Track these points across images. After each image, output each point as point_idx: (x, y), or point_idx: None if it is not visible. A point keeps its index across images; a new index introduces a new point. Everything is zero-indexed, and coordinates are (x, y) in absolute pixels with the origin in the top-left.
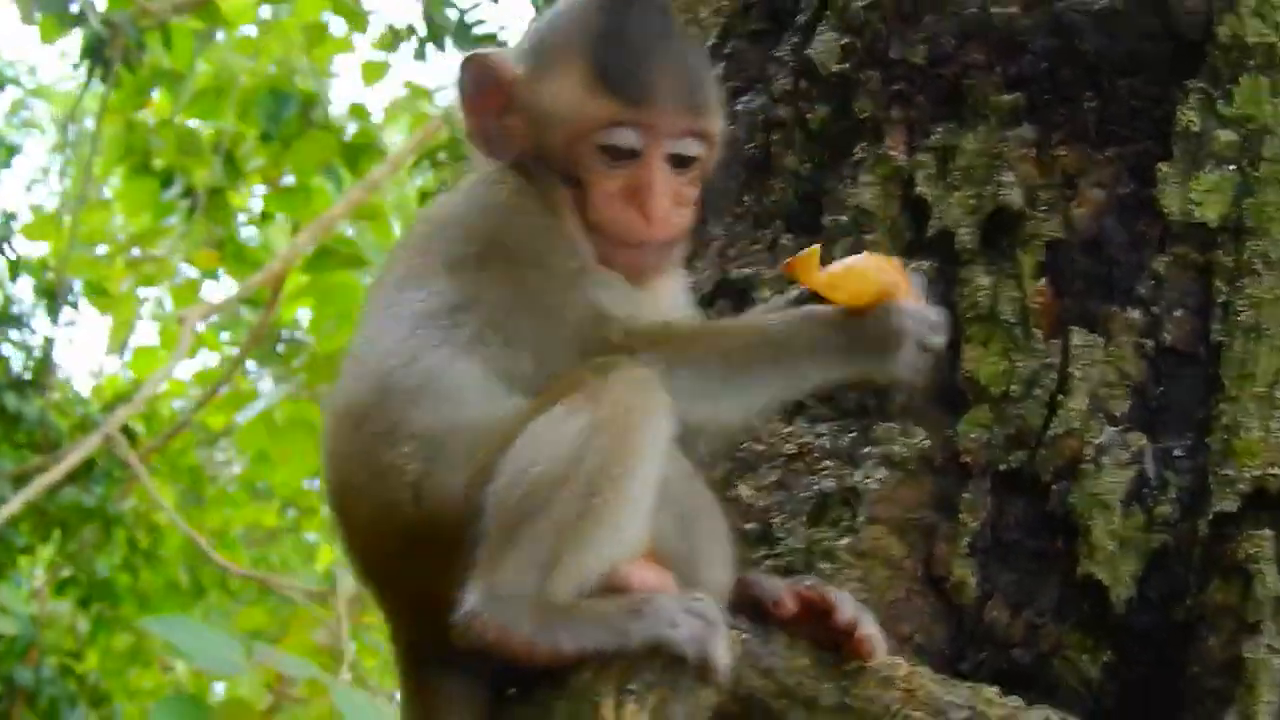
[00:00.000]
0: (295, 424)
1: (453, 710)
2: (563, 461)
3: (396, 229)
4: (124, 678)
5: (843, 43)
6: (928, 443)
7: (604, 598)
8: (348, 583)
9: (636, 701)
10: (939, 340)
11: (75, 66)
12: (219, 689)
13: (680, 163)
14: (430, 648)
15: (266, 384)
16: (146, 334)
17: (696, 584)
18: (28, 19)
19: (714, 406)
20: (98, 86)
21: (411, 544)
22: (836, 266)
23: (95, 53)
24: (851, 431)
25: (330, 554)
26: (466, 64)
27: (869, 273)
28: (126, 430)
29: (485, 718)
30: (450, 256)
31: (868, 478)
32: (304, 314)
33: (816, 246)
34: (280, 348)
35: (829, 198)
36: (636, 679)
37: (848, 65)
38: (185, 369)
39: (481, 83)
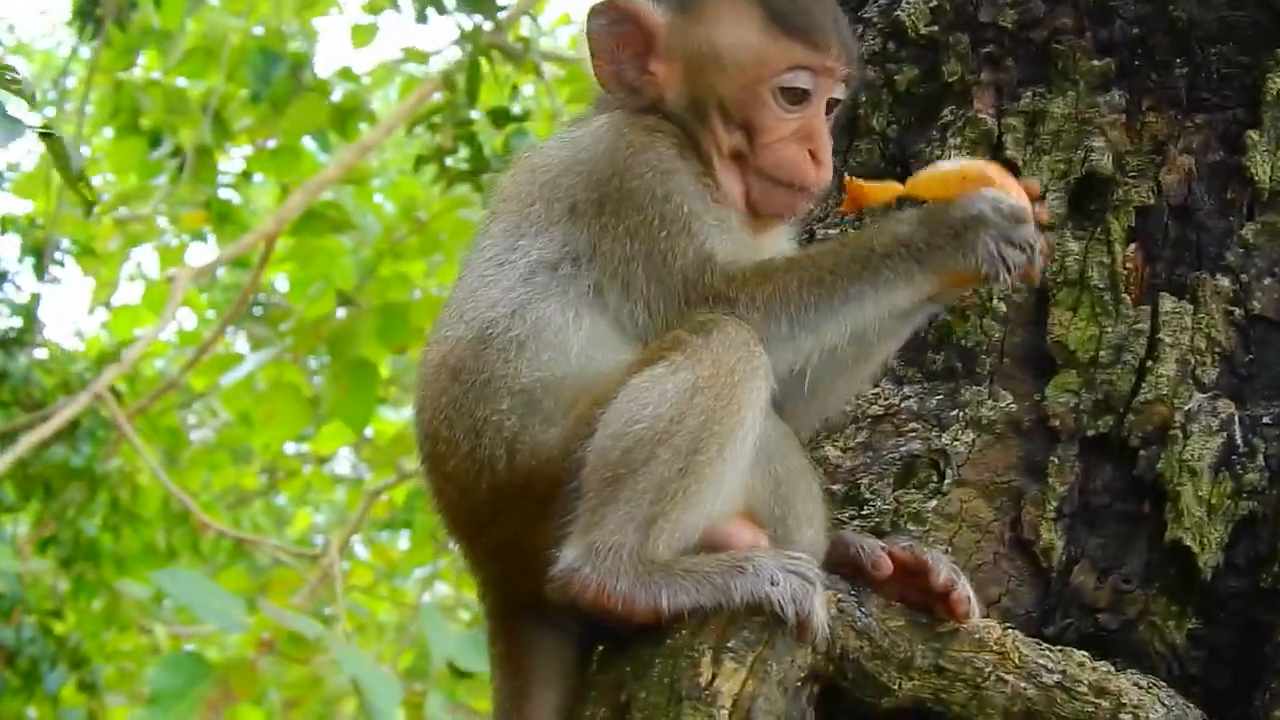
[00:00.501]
0: (277, 388)
1: (544, 665)
2: (664, 419)
3: (379, 198)
4: (99, 639)
5: (932, 5)
6: (1015, 406)
7: (703, 555)
8: (335, 545)
9: (735, 660)
10: (1024, 232)
11: (68, 24)
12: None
13: (829, 107)
14: (520, 603)
15: (242, 345)
16: (129, 293)
17: (789, 544)
18: None
19: (817, 337)
20: (89, 44)
21: (504, 498)
22: (926, 170)
23: (87, 11)
24: (939, 394)
25: (306, 519)
26: (601, 9)
27: (953, 170)
28: (112, 390)
29: (577, 673)
30: (574, 201)
31: (955, 440)
32: (281, 278)
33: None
34: (258, 311)
35: (916, 159)
36: (735, 637)
37: (936, 27)
38: (167, 330)
39: (619, 28)
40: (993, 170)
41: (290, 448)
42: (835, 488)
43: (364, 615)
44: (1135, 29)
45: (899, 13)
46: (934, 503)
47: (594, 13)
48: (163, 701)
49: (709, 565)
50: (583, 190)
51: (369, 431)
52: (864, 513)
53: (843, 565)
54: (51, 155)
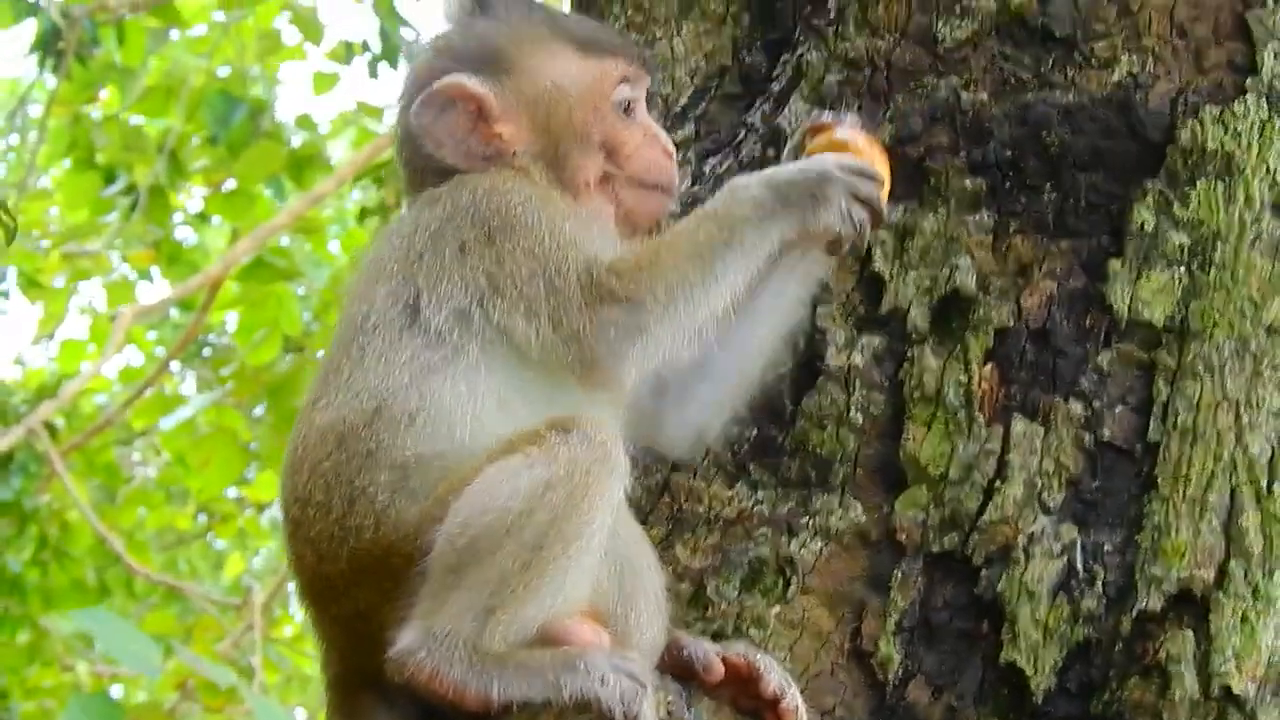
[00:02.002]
0: (216, 433)
1: None
2: (513, 513)
3: (334, 246)
4: (21, 674)
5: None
6: (864, 518)
7: (539, 648)
8: (260, 595)
9: None
10: (870, 188)
11: (27, 55)
12: (116, 691)
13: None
14: (362, 677)
15: (189, 385)
16: (75, 327)
17: (629, 643)
18: None
19: (709, 306)
20: (48, 76)
21: (362, 570)
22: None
23: (48, 43)
24: (791, 501)
25: (240, 563)
26: (426, 103)
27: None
28: (48, 425)
29: None
30: (462, 240)
31: (804, 548)
32: (232, 319)
33: None
34: (206, 351)
35: None
36: None
37: None
38: (110, 366)
39: (450, 111)
40: (862, 140)
41: (231, 491)
42: (682, 587)
43: (288, 668)
44: (1009, 151)
45: (780, 120)
46: (777, 609)
47: (420, 109)
48: None
49: (542, 660)
50: (469, 230)
51: None
52: (707, 615)
53: (676, 666)
54: None
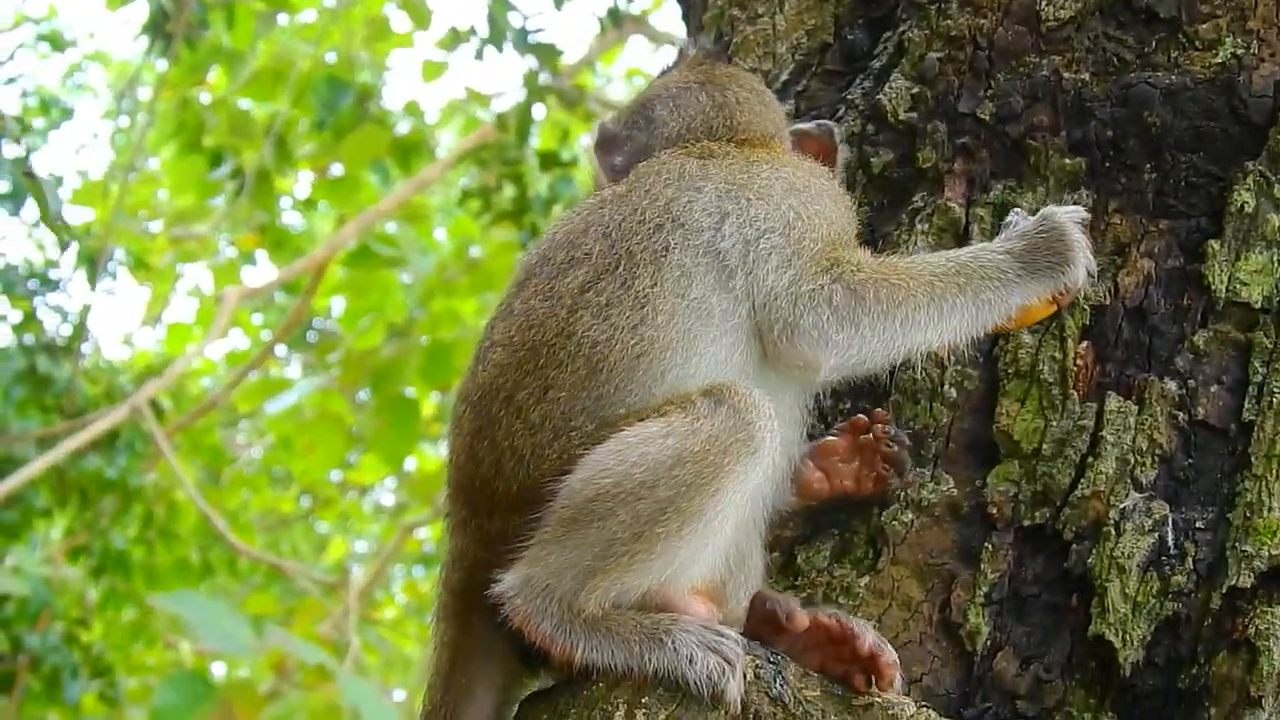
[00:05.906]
0: (321, 419)
1: (491, 666)
2: (635, 480)
3: (440, 233)
4: (126, 651)
5: (913, 91)
6: (956, 492)
7: (635, 614)
8: (359, 576)
9: (647, 715)
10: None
11: (136, 38)
12: (219, 670)
13: None
14: (484, 593)
15: (294, 369)
16: (182, 309)
17: (725, 611)
18: None
19: (919, 335)
20: (157, 59)
21: (525, 498)
22: None
23: (157, 26)
24: None
25: (342, 546)
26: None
27: None
28: (154, 405)
29: (518, 686)
30: (773, 184)
31: (894, 520)
32: (337, 304)
33: None
34: (311, 336)
35: (884, 241)
36: (650, 694)
37: (916, 114)
38: (216, 348)
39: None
40: None
41: (334, 474)
42: (773, 556)
43: (389, 650)
44: (1109, 131)
45: (881, 97)
46: (867, 579)
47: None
48: (163, 718)
49: (630, 629)
50: (787, 179)
51: (412, 462)
52: (797, 583)
53: (761, 623)
54: (33, 195)
